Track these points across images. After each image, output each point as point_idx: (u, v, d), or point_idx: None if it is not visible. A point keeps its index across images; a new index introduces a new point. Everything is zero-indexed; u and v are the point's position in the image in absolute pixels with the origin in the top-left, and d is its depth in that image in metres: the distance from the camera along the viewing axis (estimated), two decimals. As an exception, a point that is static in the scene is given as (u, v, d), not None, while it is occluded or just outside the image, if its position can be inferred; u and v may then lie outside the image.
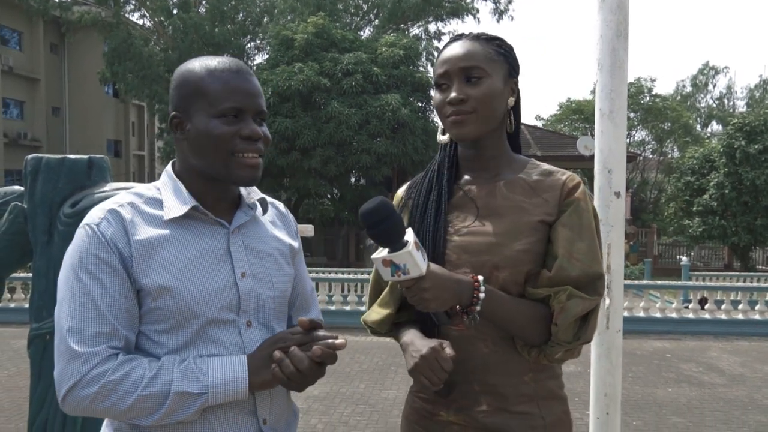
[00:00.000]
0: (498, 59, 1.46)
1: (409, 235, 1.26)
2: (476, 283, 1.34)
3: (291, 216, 1.57)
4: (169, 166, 1.39)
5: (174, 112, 1.32)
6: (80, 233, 1.28)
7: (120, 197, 1.32)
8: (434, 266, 1.31)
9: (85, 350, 1.18)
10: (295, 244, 1.51)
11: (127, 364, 1.19)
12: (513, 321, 1.38)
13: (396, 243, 1.24)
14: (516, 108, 1.54)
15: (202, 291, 1.26)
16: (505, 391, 1.44)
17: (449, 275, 1.33)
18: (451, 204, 1.52)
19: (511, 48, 1.51)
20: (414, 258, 1.23)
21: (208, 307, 1.26)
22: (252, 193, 1.43)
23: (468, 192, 1.51)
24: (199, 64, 1.31)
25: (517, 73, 1.51)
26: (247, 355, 1.25)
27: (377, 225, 1.24)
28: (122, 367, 1.19)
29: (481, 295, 1.33)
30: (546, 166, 1.52)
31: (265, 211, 1.45)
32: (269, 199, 1.49)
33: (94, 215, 1.29)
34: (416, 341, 1.39)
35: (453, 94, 1.44)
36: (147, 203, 1.31)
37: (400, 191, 1.65)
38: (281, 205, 1.55)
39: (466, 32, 1.52)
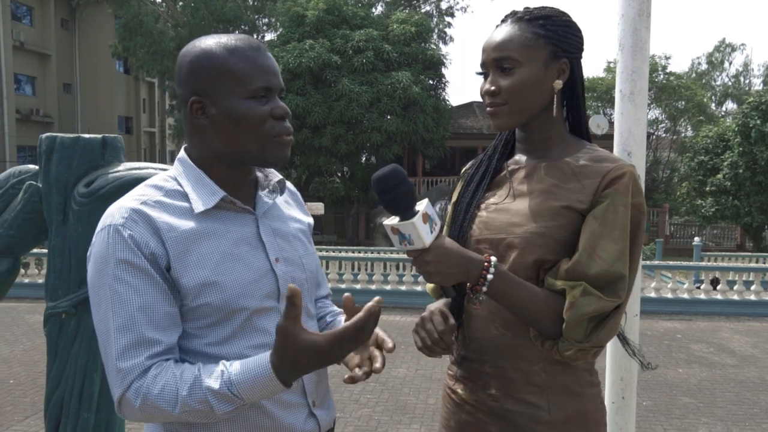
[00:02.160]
0: (536, 43, 1.38)
1: (421, 206, 1.26)
2: (486, 263, 1.31)
3: (298, 192, 1.55)
4: (183, 154, 1.31)
5: (195, 96, 1.22)
6: (103, 236, 1.18)
7: (139, 192, 1.24)
8: (447, 241, 1.30)
9: (123, 365, 1.13)
10: (310, 221, 1.51)
11: (161, 377, 1.14)
12: (524, 308, 1.34)
13: (405, 212, 1.25)
14: (572, 88, 1.45)
15: (243, 282, 1.23)
16: (514, 377, 1.42)
17: (457, 251, 1.30)
18: (495, 181, 1.51)
19: (560, 26, 1.40)
20: (418, 229, 1.23)
21: (251, 297, 1.24)
22: (270, 175, 1.40)
23: (511, 172, 1.49)
24: (215, 43, 1.23)
25: (570, 53, 1.41)
26: (270, 360, 1.12)
27: (387, 192, 1.25)
28: (156, 381, 1.13)
29: (489, 276, 1.30)
30: (603, 152, 1.43)
31: (282, 192, 1.41)
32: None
33: (116, 216, 1.18)
34: (431, 307, 1.46)
35: (486, 86, 1.42)
36: (169, 196, 1.24)
37: (468, 164, 1.65)
38: (289, 183, 1.53)
39: (516, 10, 1.45)
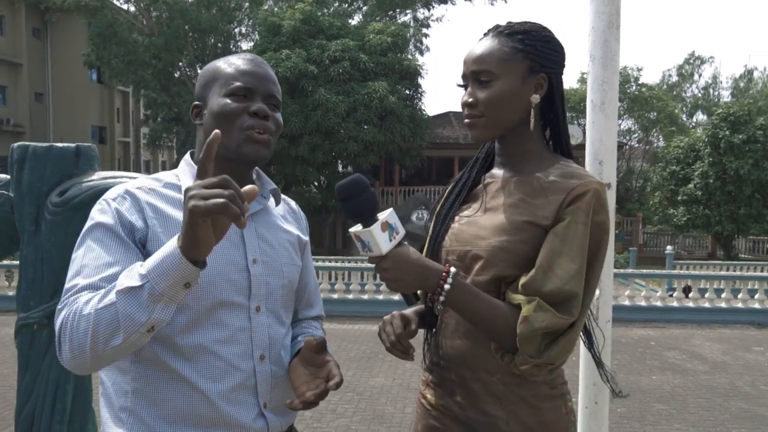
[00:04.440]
0: (514, 57, 1.39)
1: (383, 215, 1.29)
2: (444, 274, 1.33)
3: (303, 214, 1.62)
4: (187, 155, 1.43)
5: (195, 102, 1.40)
6: (95, 207, 1.30)
7: (139, 180, 1.35)
8: (409, 250, 1.32)
9: (66, 296, 1.19)
10: (304, 237, 1.55)
11: (92, 293, 1.16)
12: (483, 319, 1.34)
13: (367, 220, 1.29)
14: (551, 103, 1.46)
15: (213, 272, 1.27)
16: (475, 387, 1.43)
17: (416, 261, 1.32)
18: (472, 194, 1.54)
19: (539, 41, 1.41)
20: (375, 237, 1.27)
21: (218, 289, 1.29)
22: (266, 184, 1.47)
23: (486, 184, 1.51)
24: (220, 59, 1.41)
25: (548, 68, 1.42)
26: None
27: (348, 199, 1.30)
28: (88, 295, 1.16)
29: (446, 286, 1.32)
30: (575, 169, 1.42)
31: (277, 202, 1.49)
32: (281, 195, 1.53)
33: (111, 193, 1.31)
34: (405, 312, 1.51)
35: (464, 98, 1.45)
36: (165, 187, 1.35)
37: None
38: (293, 203, 1.60)
39: (499, 24, 1.47)
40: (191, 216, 1.02)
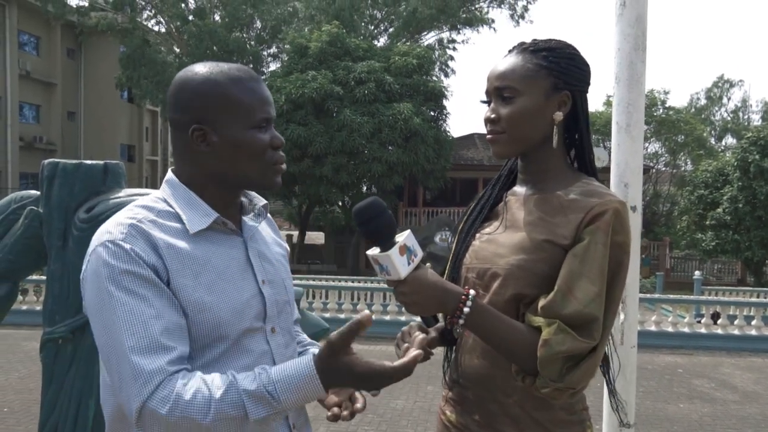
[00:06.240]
0: (537, 74, 1.39)
1: (401, 238, 1.28)
2: (464, 297, 1.32)
3: (273, 220, 1.57)
4: (172, 176, 1.32)
5: (196, 125, 1.24)
6: (100, 252, 1.16)
7: (131, 212, 1.23)
8: (427, 273, 1.31)
9: (146, 367, 1.09)
10: (287, 247, 1.54)
11: (191, 384, 1.10)
12: (502, 341, 1.33)
13: (385, 243, 1.28)
14: (574, 120, 1.45)
15: (235, 304, 1.24)
16: (492, 407, 1.43)
17: (435, 284, 1.31)
18: (494, 211, 1.53)
19: (564, 58, 1.41)
20: (393, 261, 1.25)
21: (241, 319, 1.25)
22: (254, 200, 1.43)
23: (507, 202, 1.50)
24: (218, 72, 1.26)
25: (572, 85, 1.41)
26: (314, 360, 1.13)
27: (365, 223, 1.29)
28: (186, 388, 1.09)
29: (466, 309, 1.31)
30: (596, 187, 1.40)
31: (264, 216, 1.44)
32: None
33: (113, 232, 1.18)
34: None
35: (487, 113, 1.45)
36: (161, 216, 1.24)
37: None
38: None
39: (524, 42, 1.47)
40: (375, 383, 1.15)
